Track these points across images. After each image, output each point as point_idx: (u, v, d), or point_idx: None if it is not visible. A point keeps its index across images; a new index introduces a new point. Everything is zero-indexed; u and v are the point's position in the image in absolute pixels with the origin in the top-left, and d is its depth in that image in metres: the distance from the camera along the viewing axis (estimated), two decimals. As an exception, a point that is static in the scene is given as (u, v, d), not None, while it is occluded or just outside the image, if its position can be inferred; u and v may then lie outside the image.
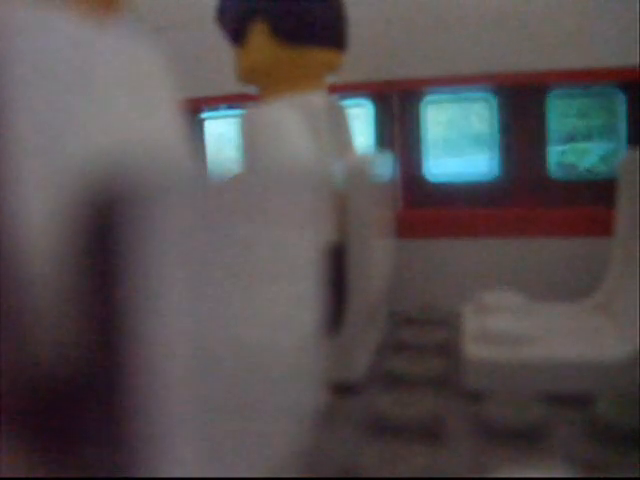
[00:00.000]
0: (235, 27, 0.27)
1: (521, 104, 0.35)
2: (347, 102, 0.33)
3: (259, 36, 0.26)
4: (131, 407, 0.08)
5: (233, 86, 0.29)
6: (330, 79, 0.29)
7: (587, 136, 0.35)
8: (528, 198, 0.35)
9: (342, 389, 0.24)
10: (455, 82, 0.35)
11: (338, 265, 0.24)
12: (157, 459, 0.08)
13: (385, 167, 0.30)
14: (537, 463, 0.18)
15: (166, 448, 0.08)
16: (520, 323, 0.25)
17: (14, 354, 0.08)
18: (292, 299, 0.14)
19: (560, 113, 0.35)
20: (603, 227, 0.30)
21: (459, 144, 0.37)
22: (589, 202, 0.34)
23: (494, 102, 0.35)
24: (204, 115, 0.41)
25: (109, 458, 0.08)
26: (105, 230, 0.07)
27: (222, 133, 0.41)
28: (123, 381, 0.08)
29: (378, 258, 0.27)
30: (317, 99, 0.27)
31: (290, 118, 0.25)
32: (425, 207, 0.36)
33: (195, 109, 0.40)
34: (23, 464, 0.08)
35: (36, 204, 0.09)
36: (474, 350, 0.24)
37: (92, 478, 0.08)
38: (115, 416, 0.08)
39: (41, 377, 0.08)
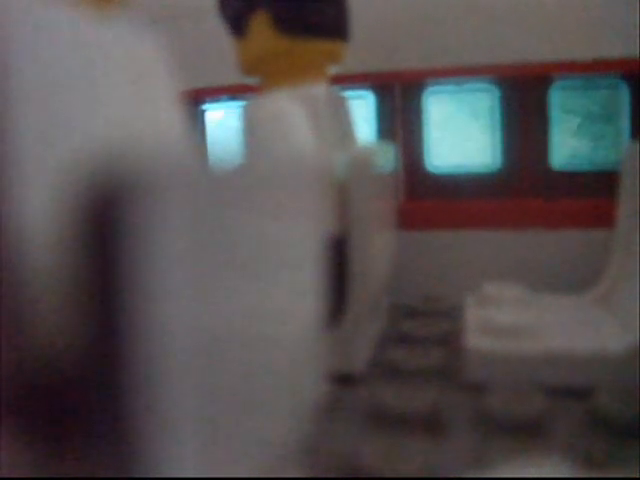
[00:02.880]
0: (236, 18, 0.27)
1: (524, 95, 0.35)
2: (349, 93, 0.33)
3: (260, 27, 0.26)
4: (132, 398, 0.08)
5: (234, 77, 0.29)
6: (332, 70, 0.28)
7: (590, 127, 0.35)
8: (530, 190, 0.35)
9: (343, 380, 0.24)
10: (457, 73, 0.35)
11: (339, 256, 0.24)
12: (157, 450, 0.08)
13: (387, 158, 0.30)
14: (537, 455, 0.18)
15: (166, 438, 0.08)
16: (521, 315, 0.25)
17: (14, 346, 0.08)
18: (293, 290, 0.14)
19: (563, 104, 0.35)
20: (605, 219, 0.30)
21: (461, 135, 0.37)
22: (591, 194, 0.34)
23: (496, 93, 0.35)
24: (205, 106, 0.41)
25: (109, 450, 0.08)
26: (106, 222, 0.07)
27: (223, 124, 0.41)
28: (124, 373, 0.08)
29: (379, 250, 0.26)
30: (319, 90, 0.27)
31: (291, 109, 0.25)
32: (427, 199, 0.36)
33: (196, 100, 0.40)
34: (23, 458, 0.08)
35: (37, 196, 0.09)
36: (475, 342, 0.24)
37: (92, 478, 0.08)
38: (115, 408, 0.08)
39: (41, 369, 0.08)
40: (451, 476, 0.17)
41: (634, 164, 0.27)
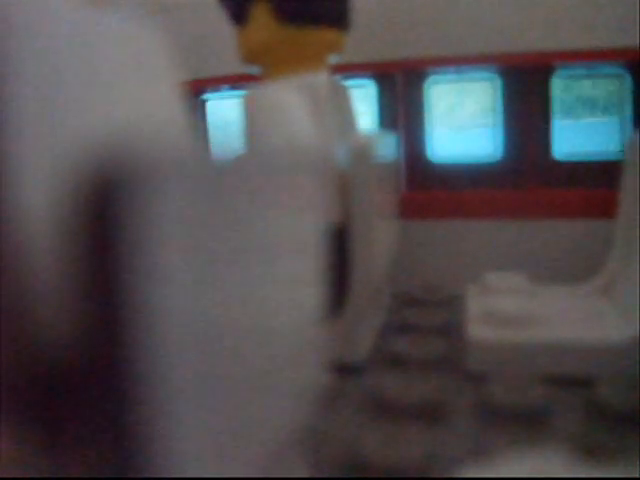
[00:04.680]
0: (237, 7, 0.27)
1: (525, 85, 0.34)
2: (350, 82, 0.33)
3: (261, 16, 0.26)
4: (132, 386, 0.08)
5: (235, 67, 0.29)
6: (333, 59, 0.28)
7: (592, 117, 0.35)
8: (532, 179, 0.35)
9: (345, 370, 0.24)
10: (459, 62, 0.35)
11: (341, 246, 0.24)
12: (158, 437, 0.08)
13: (388, 148, 0.30)
14: (538, 445, 0.18)
15: (167, 427, 0.08)
16: (523, 305, 0.25)
17: (15, 342, 0.08)
18: (294, 280, 0.14)
19: (565, 94, 0.35)
20: (607, 209, 0.30)
21: (463, 125, 0.37)
22: (593, 184, 0.34)
23: (498, 82, 0.35)
24: (206, 96, 0.40)
25: (110, 445, 0.08)
26: (106, 210, 0.07)
27: (224, 114, 0.41)
28: (124, 367, 0.08)
29: (381, 239, 0.26)
30: (320, 79, 0.27)
31: (292, 99, 0.24)
32: (428, 188, 0.36)
33: (197, 90, 0.40)
34: (23, 453, 0.08)
35: (37, 185, 0.09)
36: (477, 331, 0.24)
37: (92, 478, 0.08)
38: (116, 395, 0.08)
39: (42, 365, 0.08)
40: (452, 465, 0.17)
41: (636, 154, 0.27)
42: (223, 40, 0.30)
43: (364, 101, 0.37)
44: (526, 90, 0.35)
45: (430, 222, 0.35)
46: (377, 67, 0.36)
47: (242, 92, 0.26)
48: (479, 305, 0.26)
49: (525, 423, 0.19)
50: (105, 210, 0.07)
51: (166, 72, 0.14)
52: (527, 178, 0.35)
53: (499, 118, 0.35)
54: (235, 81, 0.38)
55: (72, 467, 0.08)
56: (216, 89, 0.40)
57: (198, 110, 0.40)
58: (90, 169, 0.07)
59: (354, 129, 0.30)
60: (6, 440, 0.08)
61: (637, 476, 0.16)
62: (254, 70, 0.28)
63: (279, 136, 0.24)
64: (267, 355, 0.12)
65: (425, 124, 0.36)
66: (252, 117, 0.24)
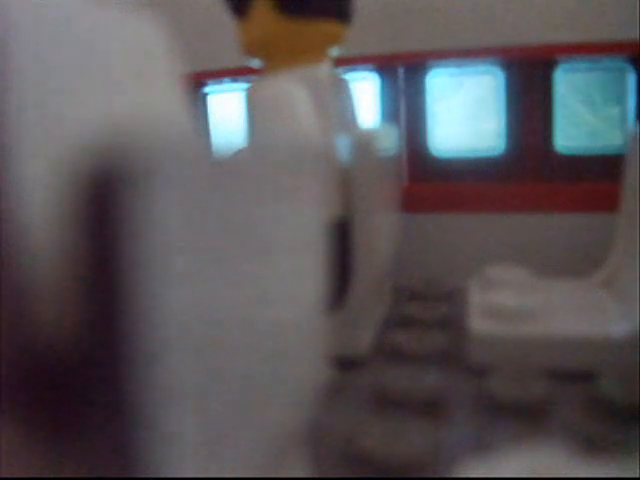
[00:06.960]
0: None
1: (528, 78, 0.34)
2: (352, 75, 0.32)
3: (262, 8, 0.26)
4: (132, 383, 0.08)
5: (236, 60, 0.29)
6: (335, 52, 0.28)
7: (595, 110, 0.35)
8: (534, 173, 0.35)
9: (346, 364, 0.24)
10: (461, 55, 0.35)
11: (343, 240, 0.24)
12: (157, 438, 0.08)
13: (390, 141, 0.30)
14: (539, 439, 0.18)
15: (168, 423, 0.08)
16: (524, 299, 0.25)
17: (14, 332, 0.08)
18: (296, 274, 0.14)
19: (567, 87, 0.35)
20: (609, 203, 0.30)
21: (465, 118, 0.37)
22: (596, 178, 0.34)
23: (501, 76, 0.35)
24: (207, 89, 0.40)
25: (109, 443, 0.08)
26: (106, 206, 0.07)
27: (226, 107, 0.41)
28: (124, 358, 0.08)
29: (383, 233, 0.26)
30: (321, 72, 0.27)
31: (294, 91, 0.24)
32: (430, 182, 0.36)
33: (198, 83, 0.40)
34: (21, 448, 0.08)
35: (36, 181, 0.09)
36: (478, 325, 0.24)
37: (91, 478, 0.08)
38: (116, 393, 0.08)
39: (41, 356, 0.08)
40: (454, 459, 0.17)
41: (638, 147, 0.27)
42: (224, 33, 0.30)
43: (366, 94, 0.36)
44: (528, 83, 0.34)
45: (432, 215, 0.35)
46: (379, 60, 0.36)
47: (243, 85, 0.25)
48: (481, 299, 0.26)
49: (526, 417, 0.19)
50: (105, 205, 0.07)
51: (167, 65, 0.14)
52: (529, 171, 0.35)
53: (501, 111, 0.35)
54: (236, 74, 0.38)
55: (71, 465, 0.08)
56: (217, 82, 0.40)
57: (199, 103, 0.40)
58: (90, 163, 0.07)
59: (356, 122, 0.29)
60: (6, 438, 0.08)
61: (638, 469, 0.16)
62: (255, 63, 0.28)
63: (281, 128, 0.24)
64: (268, 349, 0.12)
65: (427, 117, 0.36)
66: (254, 109, 0.24)
